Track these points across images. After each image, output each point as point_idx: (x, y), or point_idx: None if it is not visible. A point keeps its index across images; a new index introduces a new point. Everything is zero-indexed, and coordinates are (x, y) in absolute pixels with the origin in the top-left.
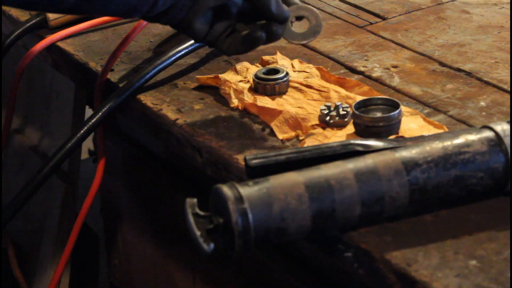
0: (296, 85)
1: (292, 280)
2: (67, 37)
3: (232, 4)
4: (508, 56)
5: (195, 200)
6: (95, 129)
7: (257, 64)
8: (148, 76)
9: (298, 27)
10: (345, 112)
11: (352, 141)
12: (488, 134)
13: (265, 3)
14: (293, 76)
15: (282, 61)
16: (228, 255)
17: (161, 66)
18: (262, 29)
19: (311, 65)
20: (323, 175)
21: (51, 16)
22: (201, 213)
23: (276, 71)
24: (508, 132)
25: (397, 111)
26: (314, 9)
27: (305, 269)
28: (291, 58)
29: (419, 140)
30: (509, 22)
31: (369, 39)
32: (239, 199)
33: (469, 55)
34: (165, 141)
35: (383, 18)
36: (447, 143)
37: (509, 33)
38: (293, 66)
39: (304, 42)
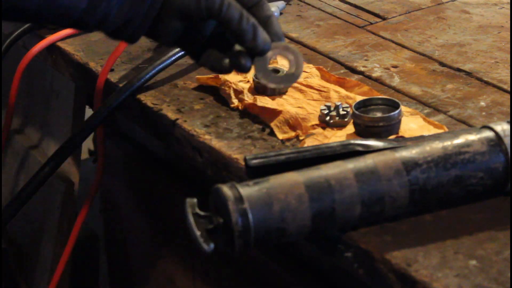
0: (296, 85)
1: (292, 280)
2: (67, 37)
3: (200, 28)
4: (508, 56)
5: (195, 200)
6: (95, 129)
7: None
8: (148, 76)
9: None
10: (345, 112)
11: (352, 141)
12: (488, 134)
13: (240, 31)
14: None
15: (282, 61)
16: (228, 255)
17: (161, 66)
18: (230, 58)
19: (311, 65)
20: (323, 175)
21: None
22: (201, 213)
23: (276, 71)
24: (508, 132)
25: (397, 111)
26: (301, 55)
27: (305, 269)
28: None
29: (419, 140)
30: (509, 22)
31: (369, 39)
32: (239, 199)
33: (469, 55)
34: (165, 141)
35: (383, 18)
36: (447, 143)
37: (509, 33)
38: None
39: (274, 86)
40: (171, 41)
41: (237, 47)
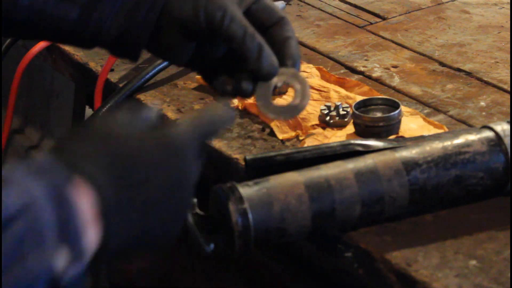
0: None
1: (292, 280)
2: None
3: (211, 47)
4: (508, 56)
5: (195, 200)
6: None
7: None
8: (148, 76)
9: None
10: (345, 112)
11: (352, 141)
12: (488, 134)
13: (243, 49)
14: None
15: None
16: (228, 255)
17: (161, 66)
18: (231, 82)
19: (311, 65)
20: (323, 175)
21: None
22: (201, 213)
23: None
24: (508, 132)
25: (397, 111)
26: (308, 86)
27: (305, 269)
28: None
29: (419, 140)
30: (509, 22)
31: (369, 39)
32: (239, 199)
33: (469, 55)
34: None
35: (383, 18)
36: (447, 143)
37: (509, 33)
38: None
39: (273, 117)
40: (180, 60)
41: (244, 72)
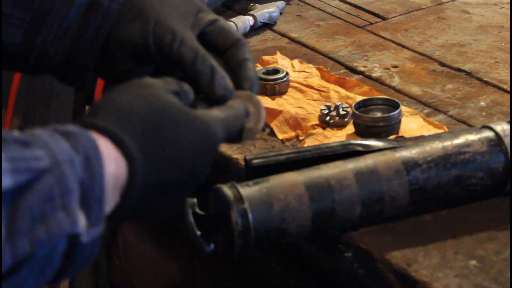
0: (296, 85)
1: (292, 280)
2: None
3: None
4: (508, 56)
5: (195, 200)
6: None
7: (257, 64)
8: None
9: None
10: (345, 112)
11: (352, 141)
12: (488, 134)
13: (195, 73)
14: (293, 76)
15: (282, 61)
16: (228, 255)
17: None
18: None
19: (311, 65)
20: (323, 175)
21: None
22: (201, 213)
23: (276, 71)
24: (508, 132)
25: (397, 111)
26: (263, 110)
27: (305, 269)
28: (291, 58)
29: (419, 140)
30: (509, 22)
31: (369, 39)
32: (239, 199)
33: (469, 55)
34: None
35: (383, 18)
36: (447, 143)
37: (509, 33)
38: (293, 66)
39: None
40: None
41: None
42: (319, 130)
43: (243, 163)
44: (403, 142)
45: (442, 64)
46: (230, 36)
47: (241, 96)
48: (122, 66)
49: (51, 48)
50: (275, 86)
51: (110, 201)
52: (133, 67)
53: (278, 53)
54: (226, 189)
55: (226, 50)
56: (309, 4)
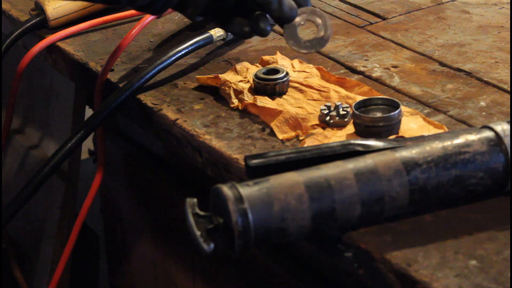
0: (296, 85)
1: (292, 280)
2: (67, 37)
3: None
4: (508, 56)
5: (195, 200)
6: (95, 129)
7: (257, 64)
8: (148, 76)
9: (302, 32)
10: (345, 112)
11: (352, 141)
12: (488, 134)
13: (266, 2)
14: (293, 76)
15: (282, 61)
16: (228, 255)
17: (161, 66)
18: (250, 23)
19: (311, 65)
20: (323, 175)
21: (51, 16)
22: (201, 213)
23: (276, 71)
24: (508, 132)
25: (397, 111)
26: (328, 18)
27: (305, 269)
28: (291, 58)
29: (419, 140)
30: (509, 22)
31: (369, 39)
32: (239, 199)
33: (469, 55)
34: (165, 141)
35: (383, 18)
36: (447, 143)
37: (509, 33)
38: (293, 66)
39: (305, 52)
40: (198, 12)
41: (258, 13)
42: (319, 130)
43: (243, 163)
44: (403, 142)
45: (442, 64)
46: None
47: (305, 12)
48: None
49: None
50: (275, 86)
51: None
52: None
53: (278, 53)
54: (226, 189)
55: None
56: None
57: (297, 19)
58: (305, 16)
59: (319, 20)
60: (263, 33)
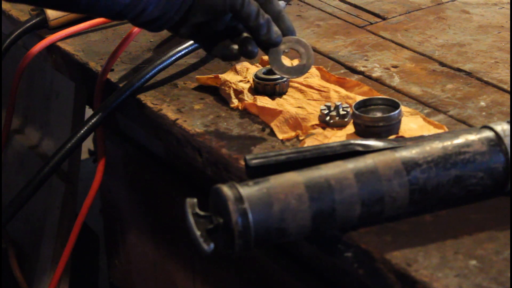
0: (296, 85)
1: (292, 280)
2: (67, 37)
3: (218, 22)
4: (508, 56)
5: (195, 200)
6: (95, 129)
7: (257, 64)
8: (148, 76)
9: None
10: (345, 112)
11: (352, 141)
12: (488, 134)
13: (256, 26)
14: None
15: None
16: (228, 255)
17: (161, 66)
18: (238, 45)
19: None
20: (323, 175)
21: (51, 16)
22: (201, 213)
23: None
24: (508, 132)
25: (397, 111)
26: (311, 48)
27: (305, 269)
28: (291, 58)
29: (419, 140)
30: (509, 22)
31: (369, 39)
32: (239, 199)
33: (469, 55)
34: (165, 141)
35: (383, 18)
36: (447, 143)
37: (509, 33)
38: None
39: (287, 77)
40: (188, 34)
41: (245, 34)
42: (319, 130)
43: (243, 163)
44: (403, 142)
45: (442, 64)
46: None
47: (290, 41)
48: (195, 22)
49: (150, 8)
50: (275, 86)
51: None
52: (200, 20)
53: None
54: (226, 189)
55: (262, 4)
56: (309, 4)
57: (282, 47)
58: (290, 44)
59: (302, 49)
60: (251, 55)
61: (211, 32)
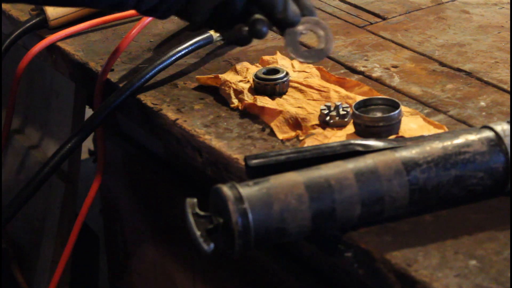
0: (296, 85)
1: (292, 280)
2: (67, 37)
3: (233, 3)
4: (508, 56)
5: (195, 200)
6: (95, 129)
7: (257, 64)
8: (148, 76)
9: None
10: (345, 112)
11: (352, 141)
12: (488, 134)
13: (271, 3)
14: (293, 76)
15: (282, 61)
16: (228, 255)
17: (161, 66)
18: (248, 26)
19: (311, 65)
20: (323, 175)
21: (51, 16)
22: (201, 213)
23: (276, 71)
24: (508, 132)
25: (397, 111)
26: (331, 31)
27: (305, 269)
28: (291, 58)
29: (419, 140)
30: (509, 22)
31: (369, 39)
32: (239, 199)
33: (469, 55)
34: (165, 141)
35: (383, 18)
36: (447, 143)
37: (509, 33)
38: (293, 66)
39: (303, 61)
40: (202, 21)
41: (256, 16)
42: (319, 130)
43: (243, 163)
44: (403, 142)
45: (442, 64)
46: None
47: (309, 22)
48: (206, 7)
49: None
50: (275, 86)
51: None
52: (212, 8)
53: (278, 53)
54: (226, 189)
55: None
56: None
57: (300, 27)
58: (308, 26)
59: (321, 32)
60: (259, 34)
61: (225, 17)
